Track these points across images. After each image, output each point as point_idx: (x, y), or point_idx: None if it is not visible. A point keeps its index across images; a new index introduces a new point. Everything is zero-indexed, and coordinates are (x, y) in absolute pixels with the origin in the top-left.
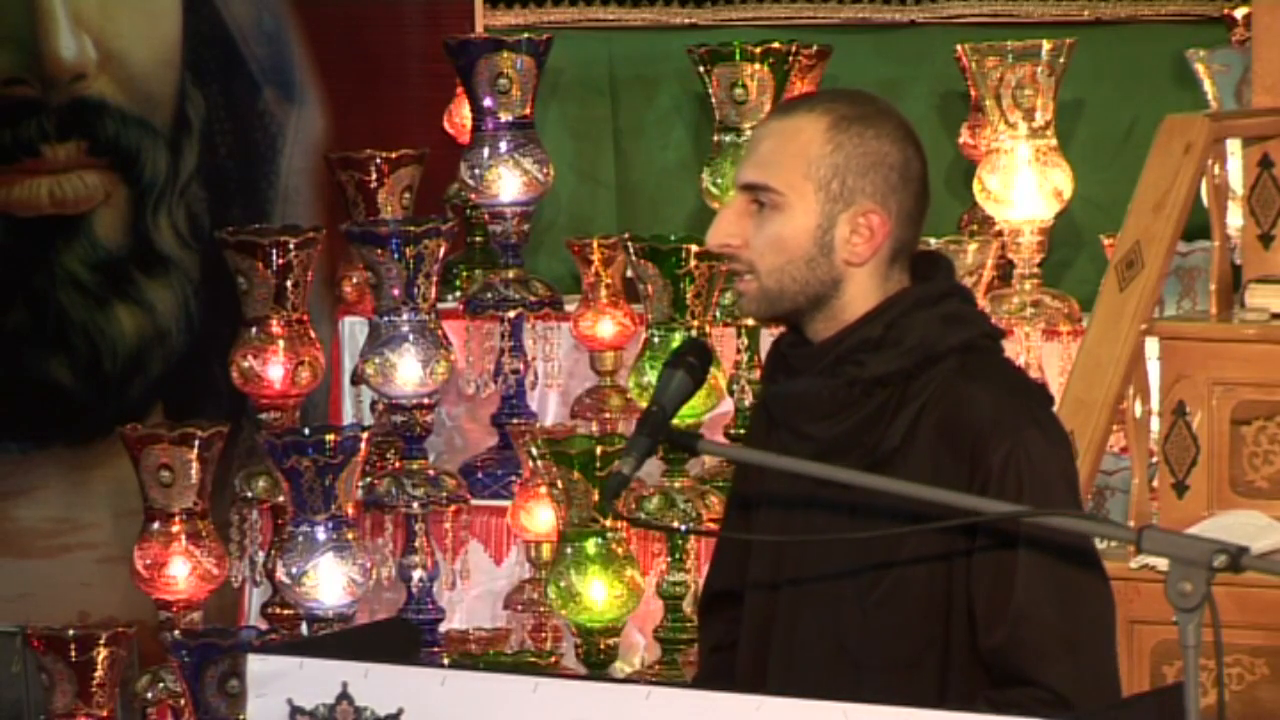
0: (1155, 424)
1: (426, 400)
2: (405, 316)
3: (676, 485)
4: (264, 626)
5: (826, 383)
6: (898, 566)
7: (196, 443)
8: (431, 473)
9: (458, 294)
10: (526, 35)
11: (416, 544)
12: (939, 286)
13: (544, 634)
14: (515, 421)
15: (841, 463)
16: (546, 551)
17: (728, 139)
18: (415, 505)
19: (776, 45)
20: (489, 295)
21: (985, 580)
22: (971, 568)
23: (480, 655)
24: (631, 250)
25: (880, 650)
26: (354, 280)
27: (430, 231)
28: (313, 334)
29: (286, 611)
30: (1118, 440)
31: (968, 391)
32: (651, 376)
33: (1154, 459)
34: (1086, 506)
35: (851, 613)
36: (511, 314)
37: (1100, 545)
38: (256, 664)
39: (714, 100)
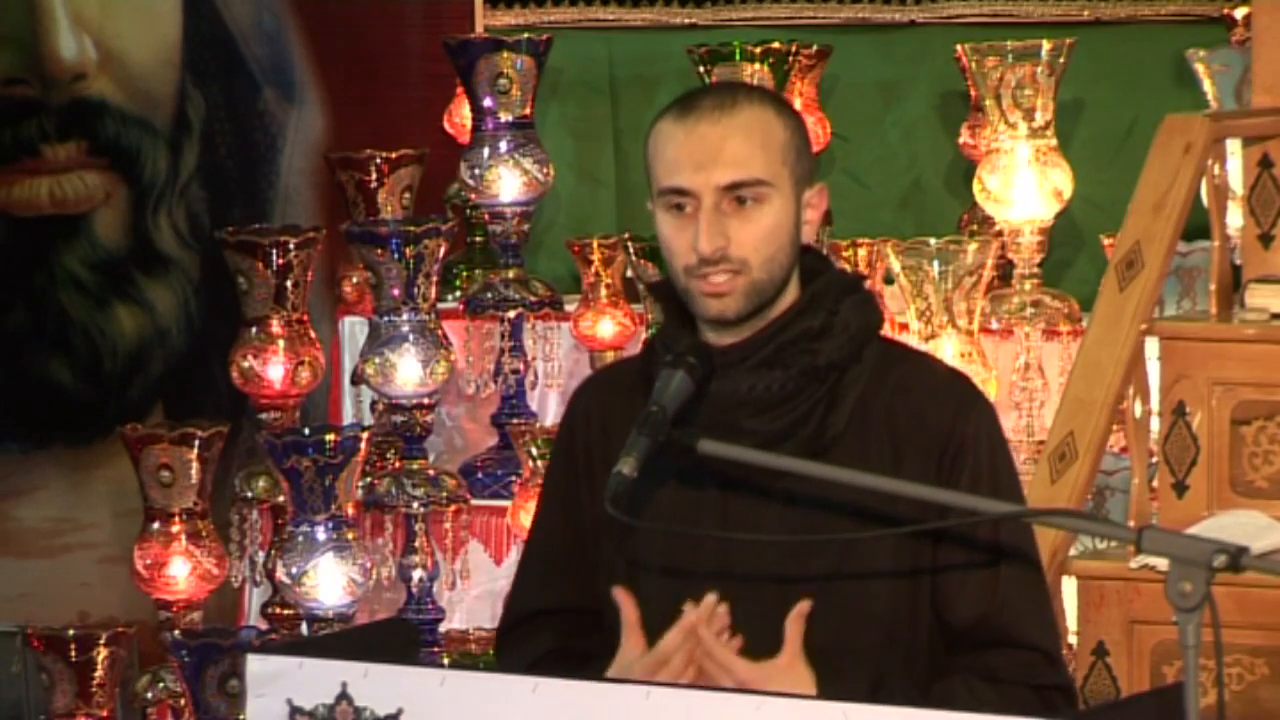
0: (1155, 424)
1: (426, 400)
2: (405, 316)
3: None
4: (264, 626)
5: (776, 375)
6: (861, 551)
7: (196, 443)
8: (431, 473)
9: (458, 294)
10: (526, 35)
11: (416, 544)
12: (849, 273)
13: None
14: (515, 421)
15: (779, 453)
16: None
17: None
18: (415, 505)
19: (776, 45)
20: (489, 295)
21: (959, 552)
22: (940, 545)
23: (480, 655)
24: (631, 250)
25: (841, 634)
26: (354, 280)
27: (430, 231)
28: (313, 334)
29: (286, 611)
30: (1118, 440)
31: (916, 372)
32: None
33: (1154, 459)
34: (1087, 506)
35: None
36: (511, 314)
37: (1100, 545)
38: (256, 664)
39: None
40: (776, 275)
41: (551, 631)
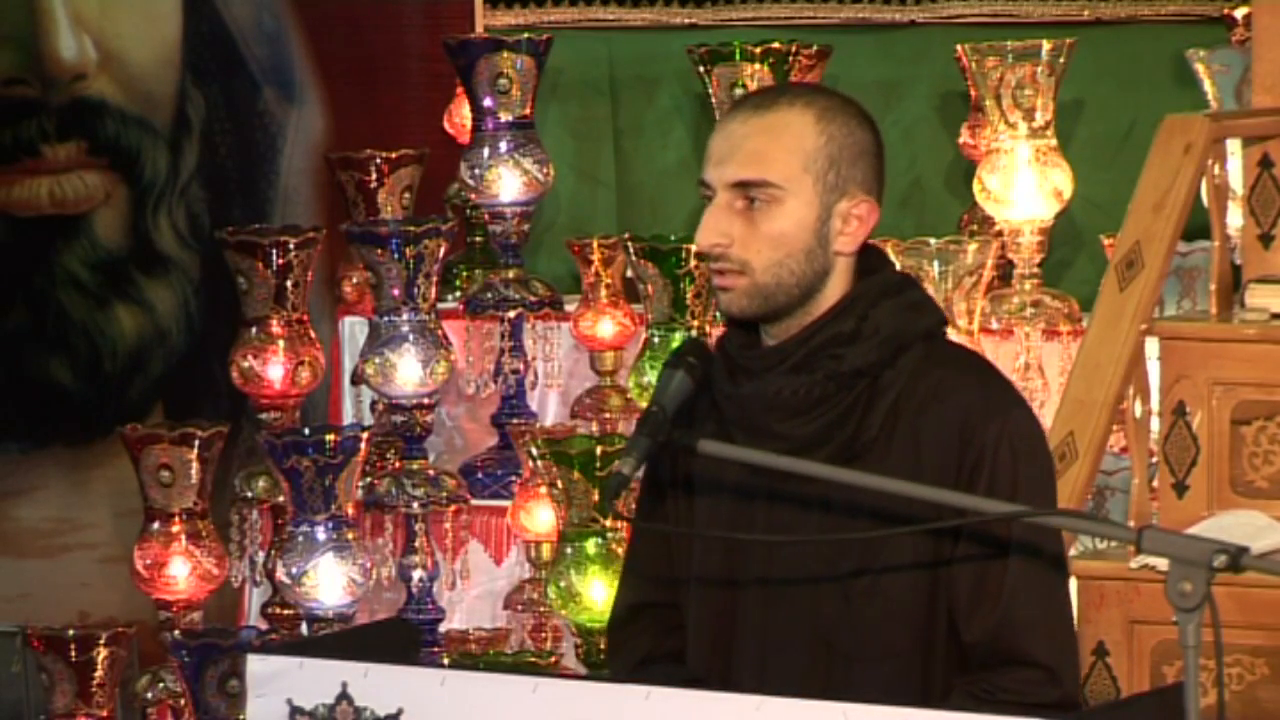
0: (1155, 424)
1: (426, 400)
2: (405, 316)
3: None
4: (264, 626)
5: (802, 380)
6: (883, 556)
7: (196, 443)
8: (431, 473)
9: (458, 294)
10: (526, 35)
11: (416, 544)
12: (897, 275)
13: (544, 634)
14: (515, 421)
15: (813, 459)
16: (546, 551)
17: None
18: (415, 505)
19: (776, 45)
20: (489, 295)
21: (974, 562)
22: (957, 550)
23: (480, 655)
24: (631, 250)
25: (866, 641)
26: (354, 280)
27: (430, 231)
28: (313, 334)
29: (286, 611)
30: (1118, 440)
31: (948, 377)
32: (651, 376)
33: (1154, 459)
34: (1087, 506)
35: (833, 604)
36: (511, 314)
37: (1100, 545)
38: (256, 664)
39: (714, 100)
40: (786, 281)
41: (649, 634)
